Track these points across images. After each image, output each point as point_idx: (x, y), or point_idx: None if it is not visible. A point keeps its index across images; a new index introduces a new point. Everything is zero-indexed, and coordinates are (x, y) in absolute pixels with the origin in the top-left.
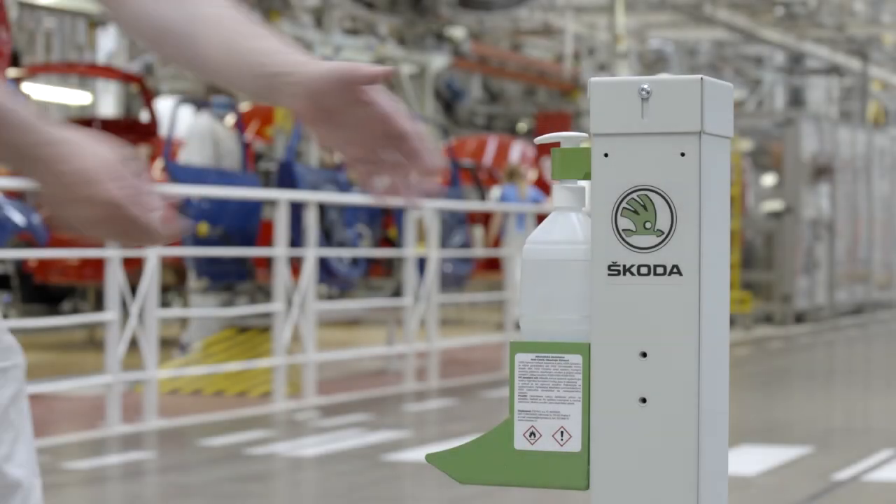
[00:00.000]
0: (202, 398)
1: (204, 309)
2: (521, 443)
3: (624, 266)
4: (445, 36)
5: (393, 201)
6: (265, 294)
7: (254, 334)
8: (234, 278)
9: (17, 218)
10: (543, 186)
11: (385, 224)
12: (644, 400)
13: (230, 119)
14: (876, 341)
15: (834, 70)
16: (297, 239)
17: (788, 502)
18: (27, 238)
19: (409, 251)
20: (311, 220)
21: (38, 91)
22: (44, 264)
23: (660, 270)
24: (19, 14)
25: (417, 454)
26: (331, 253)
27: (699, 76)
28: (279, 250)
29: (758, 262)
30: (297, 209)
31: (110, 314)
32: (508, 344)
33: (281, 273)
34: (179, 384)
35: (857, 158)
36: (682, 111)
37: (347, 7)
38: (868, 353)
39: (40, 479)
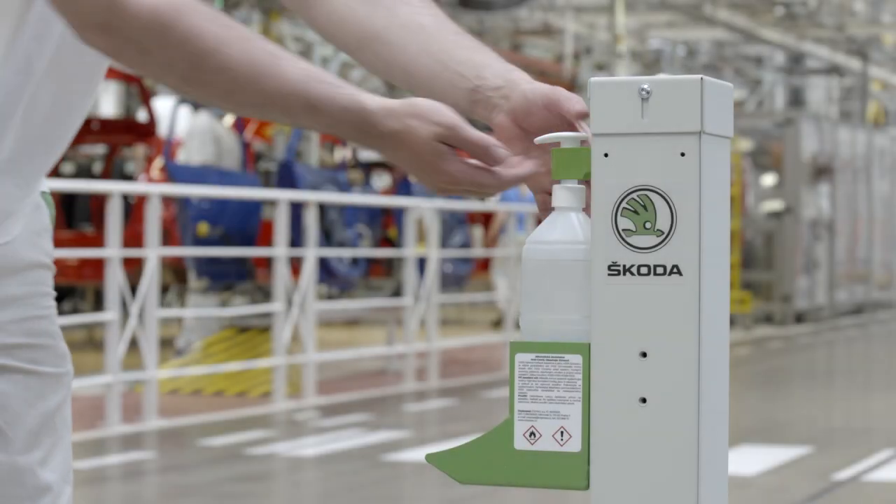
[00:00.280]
0: (202, 398)
1: (204, 309)
2: (521, 443)
3: (624, 266)
4: None
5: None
6: (265, 294)
7: (254, 334)
8: (234, 278)
9: None
10: None
11: (385, 224)
12: (644, 400)
13: (229, 118)
14: (876, 341)
15: (834, 70)
16: (297, 239)
17: (788, 502)
18: None
19: (409, 251)
20: (311, 220)
21: None
22: None
23: (660, 270)
24: None
25: (417, 454)
26: (331, 253)
27: (699, 76)
28: (279, 250)
29: (758, 262)
30: (297, 209)
31: (110, 314)
32: (508, 344)
33: (281, 273)
34: (179, 384)
35: (857, 158)
36: (682, 111)
37: None
38: (868, 353)
39: (72, 486)
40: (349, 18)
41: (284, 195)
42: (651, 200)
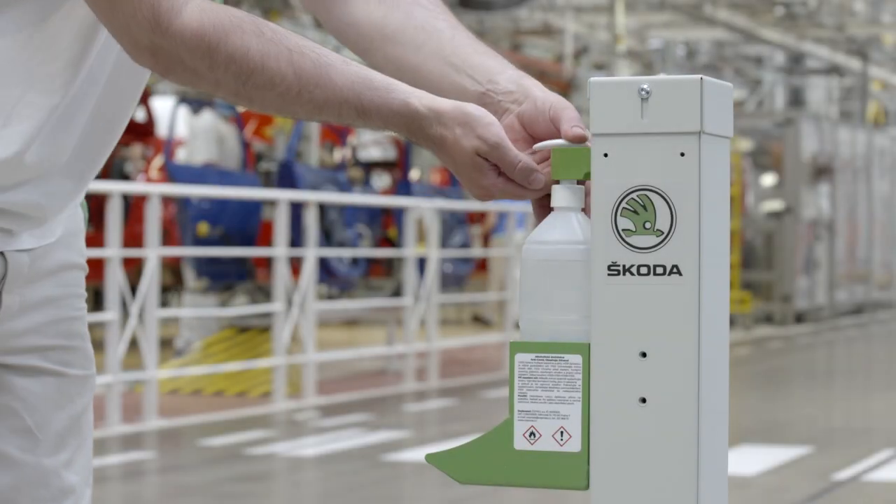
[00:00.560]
0: (202, 398)
1: (204, 309)
2: (520, 443)
3: (624, 266)
4: None
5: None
6: (265, 294)
7: (254, 334)
8: (234, 278)
9: None
10: None
11: (385, 224)
12: (644, 400)
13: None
14: (876, 341)
15: (834, 70)
16: (297, 239)
17: (788, 502)
18: None
19: (409, 251)
20: (311, 220)
21: None
22: None
23: (659, 270)
24: None
25: (417, 454)
26: (331, 253)
27: (699, 76)
28: (279, 250)
29: (758, 262)
30: (297, 209)
31: (110, 314)
32: (508, 344)
33: (281, 273)
34: (179, 384)
35: (857, 158)
36: (682, 111)
37: None
38: (868, 353)
39: (91, 488)
40: (364, 19)
41: (284, 195)
42: (651, 200)
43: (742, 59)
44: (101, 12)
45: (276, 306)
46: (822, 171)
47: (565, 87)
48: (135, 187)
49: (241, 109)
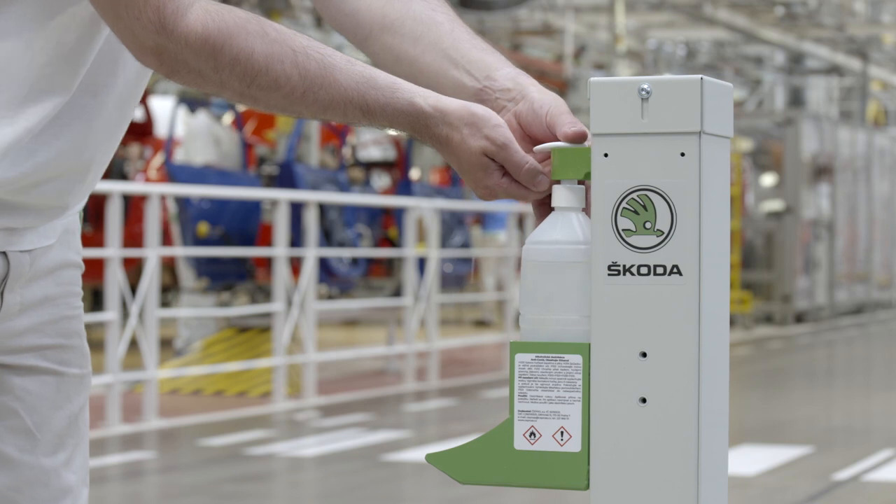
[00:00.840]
0: (202, 398)
1: (204, 309)
2: (521, 443)
3: (624, 266)
4: None
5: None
6: (265, 294)
7: (254, 334)
8: (234, 278)
9: None
10: None
11: (385, 224)
12: (644, 400)
13: (227, 118)
14: (876, 341)
15: (834, 70)
16: (297, 239)
17: (788, 502)
18: None
19: (409, 251)
20: (311, 220)
21: None
22: None
23: (660, 270)
24: None
25: (417, 454)
26: (331, 253)
27: (699, 76)
28: (279, 250)
29: (758, 262)
30: (297, 209)
31: (110, 314)
32: (508, 344)
33: (281, 273)
34: (179, 384)
35: (857, 158)
36: (682, 111)
37: None
38: (868, 353)
39: (88, 487)
40: (364, 9)
41: (284, 195)
42: (651, 200)
43: (742, 59)
44: (106, 14)
45: (276, 306)
46: (822, 171)
47: (564, 87)
48: (135, 187)
49: (240, 109)
